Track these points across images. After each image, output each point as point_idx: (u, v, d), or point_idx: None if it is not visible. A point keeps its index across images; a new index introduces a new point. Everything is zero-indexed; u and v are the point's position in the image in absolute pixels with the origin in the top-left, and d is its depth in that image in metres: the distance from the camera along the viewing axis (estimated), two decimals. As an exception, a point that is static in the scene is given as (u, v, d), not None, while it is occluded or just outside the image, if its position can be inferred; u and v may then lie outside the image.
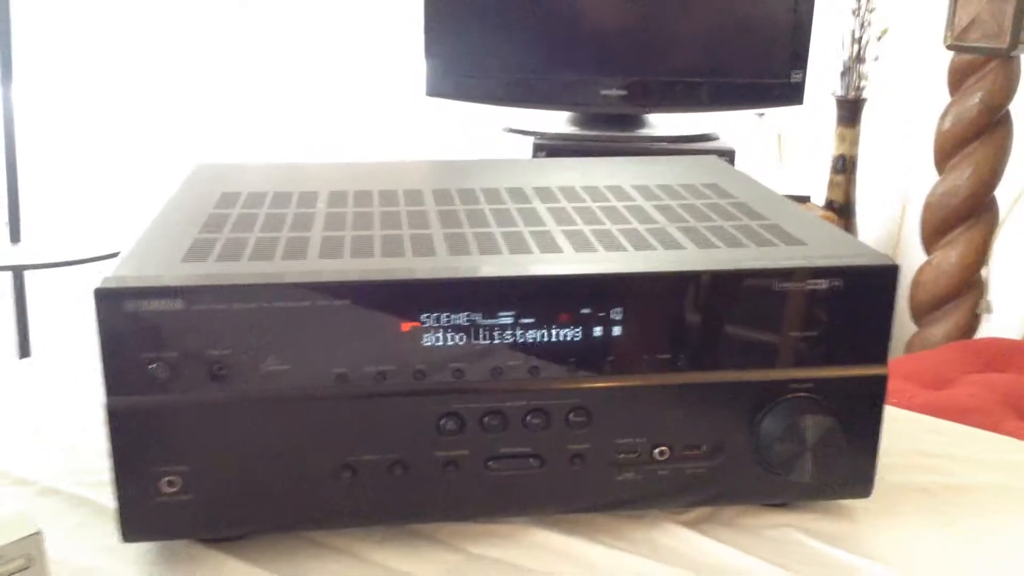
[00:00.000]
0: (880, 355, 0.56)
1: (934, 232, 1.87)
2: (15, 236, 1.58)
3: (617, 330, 0.53)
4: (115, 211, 1.78)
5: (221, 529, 0.54)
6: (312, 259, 0.54)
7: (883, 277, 0.55)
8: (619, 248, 0.57)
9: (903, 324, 1.99)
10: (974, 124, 1.78)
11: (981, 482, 0.64)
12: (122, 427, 0.51)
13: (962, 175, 1.80)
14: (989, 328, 1.89)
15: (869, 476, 0.58)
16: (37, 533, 0.40)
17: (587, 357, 0.54)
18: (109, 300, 0.49)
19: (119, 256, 0.54)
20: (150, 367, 0.50)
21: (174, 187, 0.70)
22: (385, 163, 0.81)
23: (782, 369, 0.55)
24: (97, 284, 0.49)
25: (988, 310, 1.84)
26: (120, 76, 1.81)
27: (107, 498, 0.58)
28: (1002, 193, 1.83)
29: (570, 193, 0.70)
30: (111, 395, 0.50)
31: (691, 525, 0.58)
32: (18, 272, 1.57)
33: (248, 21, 1.96)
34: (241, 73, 1.98)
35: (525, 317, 0.53)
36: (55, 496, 0.60)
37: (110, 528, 0.53)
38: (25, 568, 0.39)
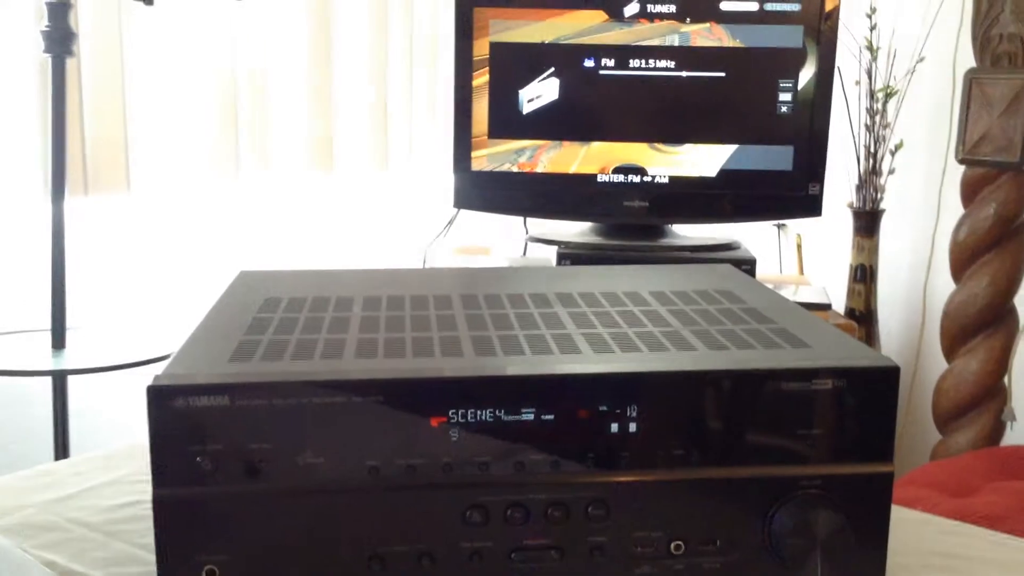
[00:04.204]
0: (885, 453, 0.58)
1: (954, 340, 1.89)
2: (59, 343, 1.63)
3: (633, 427, 0.57)
4: (158, 317, 1.84)
5: (257, 617, 0.57)
6: (348, 359, 0.58)
7: (884, 377, 0.57)
8: (635, 349, 0.61)
9: (928, 431, 1.99)
10: (989, 235, 1.81)
11: (995, 581, 0.65)
12: (168, 517, 0.54)
13: (979, 284, 1.83)
14: (1013, 436, 1.89)
15: (879, 573, 0.59)
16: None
17: (605, 452, 0.57)
18: (161, 397, 0.53)
19: (170, 356, 0.58)
20: (196, 460, 0.54)
21: (220, 293, 0.75)
22: (416, 270, 0.86)
23: (792, 466, 0.58)
24: (150, 382, 0.53)
25: (1012, 418, 1.84)
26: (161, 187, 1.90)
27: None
28: (1021, 301, 1.85)
29: (590, 299, 0.74)
30: (159, 487, 0.54)
31: (708, 619, 0.60)
32: (59, 376, 1.62)
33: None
34: (279, 186, 2.06)
35: (546, 414, 0.56)
36: (98, 585, 0.63)
37: (151, 615, 0.56)
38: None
